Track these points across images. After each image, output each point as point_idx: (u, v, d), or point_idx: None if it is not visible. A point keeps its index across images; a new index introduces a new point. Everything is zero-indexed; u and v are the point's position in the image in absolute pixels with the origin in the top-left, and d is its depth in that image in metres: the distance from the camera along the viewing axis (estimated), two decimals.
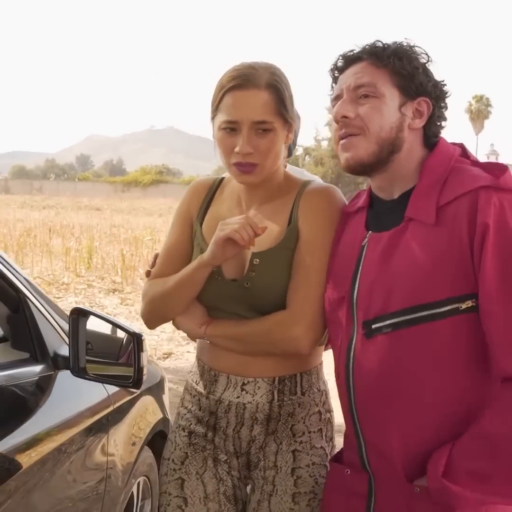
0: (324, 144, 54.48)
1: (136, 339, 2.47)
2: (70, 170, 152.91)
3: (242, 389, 2.33)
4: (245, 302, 2.29)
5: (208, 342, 2.35)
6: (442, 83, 2.09)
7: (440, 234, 1.95)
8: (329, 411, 2.43)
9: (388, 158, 2.05)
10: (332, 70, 2.15)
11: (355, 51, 2.10)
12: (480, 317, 1.90)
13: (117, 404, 2.87)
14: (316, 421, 2.37)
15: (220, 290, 2.31)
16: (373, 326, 2.02)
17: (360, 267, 2.08)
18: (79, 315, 2.49)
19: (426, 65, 2.07)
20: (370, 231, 2.11)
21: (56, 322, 2.72)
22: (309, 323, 2.21)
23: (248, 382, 2.32)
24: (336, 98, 2.11)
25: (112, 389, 2.85)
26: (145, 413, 3.25)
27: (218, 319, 2.33)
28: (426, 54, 2.08)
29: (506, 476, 1.87)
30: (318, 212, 2.28)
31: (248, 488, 2.44)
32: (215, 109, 2.26)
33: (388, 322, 1.99)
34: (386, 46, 2.06)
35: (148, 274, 2.46)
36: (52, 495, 2.27)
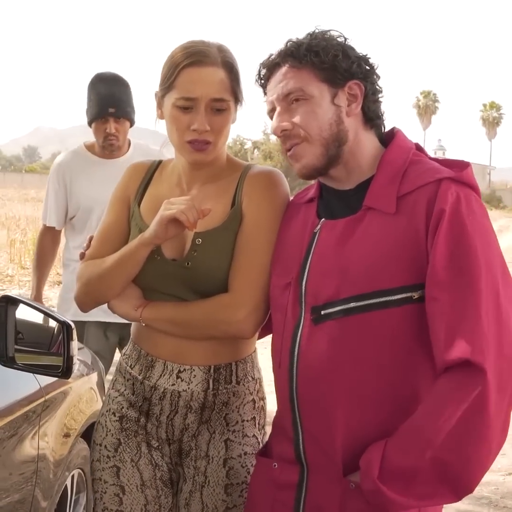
0: (273, 138, 54.55)
1: (65, 328, 2.41)
2: (17, 162, 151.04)
3: (178, 377, 2.29)
4: (185, 283, 2.25)
5: (144, 325, 2.30)
6: (366, 57, 2.07)
7: (398, 223, 1.94)
8: (263, 398, 2.40)
9: (338, 153, 2.03)
10: (257, 80, 2.13)
11: (272, 57, 2.08)
12: (425, 304, 1.88)
13: (49, 395, 2.81)
14: (250, 409, 2.34)
15: (160, 270, 2.27)
16: (323, 312, 1.98)
17: (311, 253, 2.05)
18: (7, 303, 2.43)
19: (345, 45, 2.04)
20: (323, 219, 2.08)
21: None
22: (252, 306, 2.18)
23: (184, 369, 2.28)
24: (271, 111, 2.10)
25: (45, 379, 2.78)
26: (78, 403, 3.19)
27: (155, 301, 2.28)
28: (342, 35, 2.06)
29: (434, 474, 1.82)
30: (263, 195, 2.26)
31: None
32: (168, 86, 2.22)
33: (338, 308, 1.95)
34: (299, 44, 2.03)
35: (82, 256, 2.41)
36: None
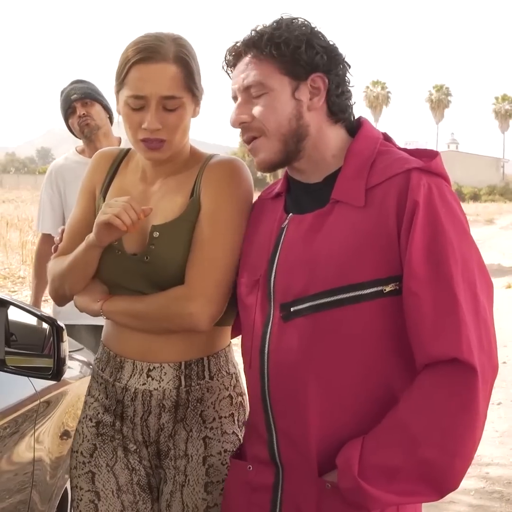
0: None
1: (55, 329, 2.39)
2: (31, 164, 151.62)
3: (148, 376, 2.24)
4: (145, 278, 2.20)
5: (105, 319, 2.28)
6: (332, 47, 1.99)
7: (368, 216, 1.88)
8: (241, 394, 2.34)
9: (298, 148, 1.99)
10: (223, 67, 2.07)
11: (237, 45, 2.02)
12: (403, 298, 1.83)
13: (45, 397, 2.78)
14: (226, 405, 2.29)
15: (121, 265, 2.23)
16: (292, 309, 1.93)
17: (279, 249, 2.00)
18: None
19: (311, 34, 1.96)
20: (291, 213, 2.04)
21: None
22: (206, 299, 2.13)
23: (154, 368, 2.23)
24: (235, 98, 2.04)
25: (41, 381, 2.74)
26: (77, 404, 3.16)
27: (116, 295, 2.25)
28: (308, 24, 1.98)
29: (417, 471, 1.78)
30: (220, 184, 2.20)
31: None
32: (120, 83, 2.16)
33: (308, 304, 1.90)
34: (262, 34, 1.97)
35: (55, 249, 2.37)
36: None
